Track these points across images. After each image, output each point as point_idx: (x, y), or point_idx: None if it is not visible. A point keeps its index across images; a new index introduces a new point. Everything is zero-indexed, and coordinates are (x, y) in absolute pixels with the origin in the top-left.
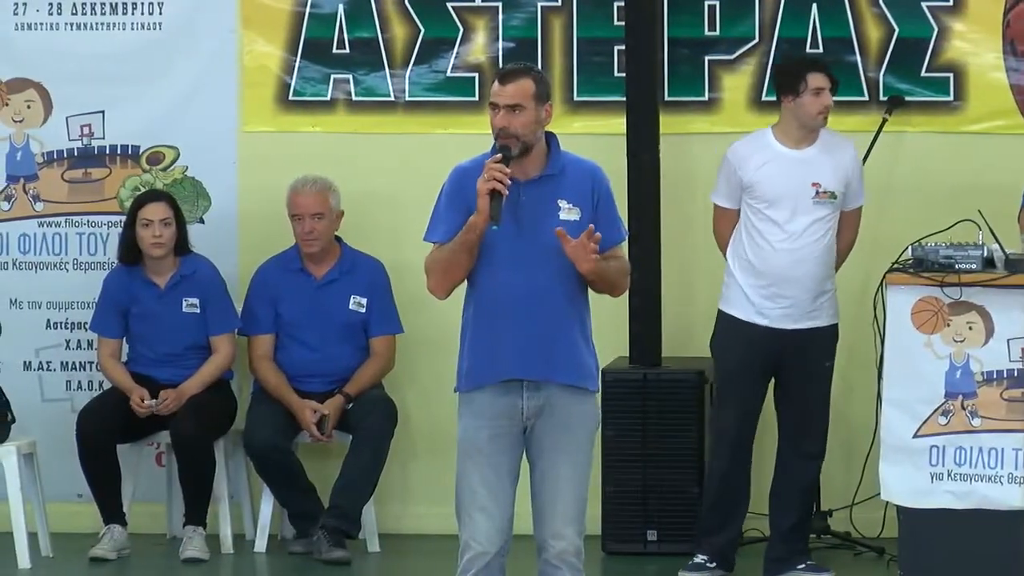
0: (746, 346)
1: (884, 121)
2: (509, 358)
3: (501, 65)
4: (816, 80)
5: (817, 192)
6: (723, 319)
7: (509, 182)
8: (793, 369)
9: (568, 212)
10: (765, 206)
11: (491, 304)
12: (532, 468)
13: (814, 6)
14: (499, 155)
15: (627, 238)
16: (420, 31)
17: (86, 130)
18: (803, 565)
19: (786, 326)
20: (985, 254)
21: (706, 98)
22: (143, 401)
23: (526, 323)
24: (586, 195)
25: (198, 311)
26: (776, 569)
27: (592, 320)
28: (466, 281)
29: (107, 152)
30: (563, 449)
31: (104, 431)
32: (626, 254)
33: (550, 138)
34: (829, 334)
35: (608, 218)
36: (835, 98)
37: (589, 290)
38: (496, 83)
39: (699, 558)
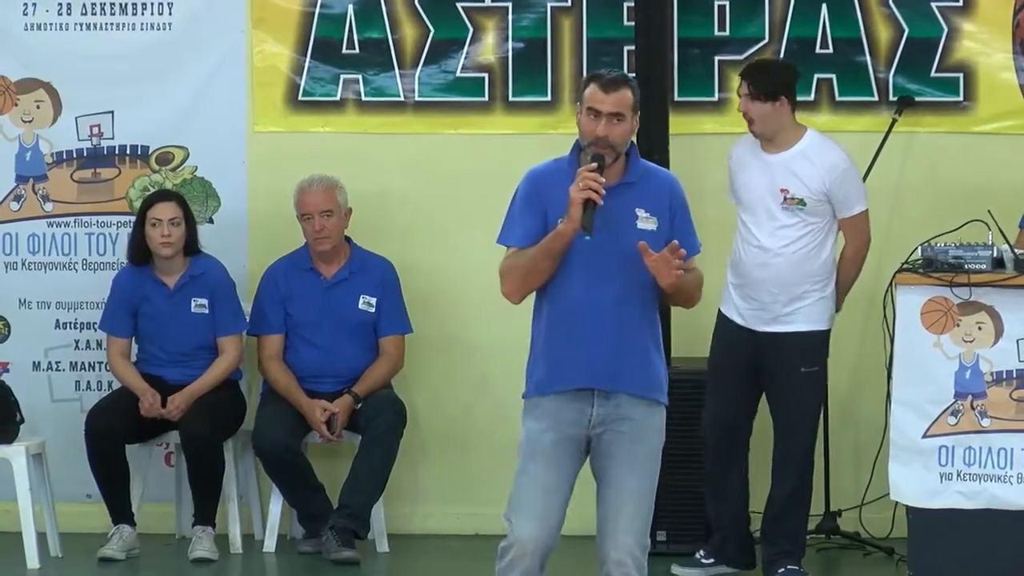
0: (727, 342)
1: (894, 121)
2: (582, 367)
3: (510, 68)
4: (743, 86)
5: (785, 198)
6: (718, 316)
7: (604, 192)
8: (769, 372)
9: (645, 221)
10: (741, 208)
11: (566, 312)
12: (599, 479)
13: (824, 6)
14: (594, 164)
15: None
16: (430, 31)
17: (95, 130)
18: (783, 570)
19: (757, 327)
20: (995, 254)
21: (716, 98)
22: (154, 404)
23: (600, 332)
24: (663, 205)
25: (207, 311)
26: (766, 571)
27: None
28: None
29: (116, 152)
30: (631, 461)
31: (113, 431)
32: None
33: (629, 146)
34: (808, 340)
35: (685, 230)
36: (845, 98)
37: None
38: (599, 90)
39: (698, 554)
